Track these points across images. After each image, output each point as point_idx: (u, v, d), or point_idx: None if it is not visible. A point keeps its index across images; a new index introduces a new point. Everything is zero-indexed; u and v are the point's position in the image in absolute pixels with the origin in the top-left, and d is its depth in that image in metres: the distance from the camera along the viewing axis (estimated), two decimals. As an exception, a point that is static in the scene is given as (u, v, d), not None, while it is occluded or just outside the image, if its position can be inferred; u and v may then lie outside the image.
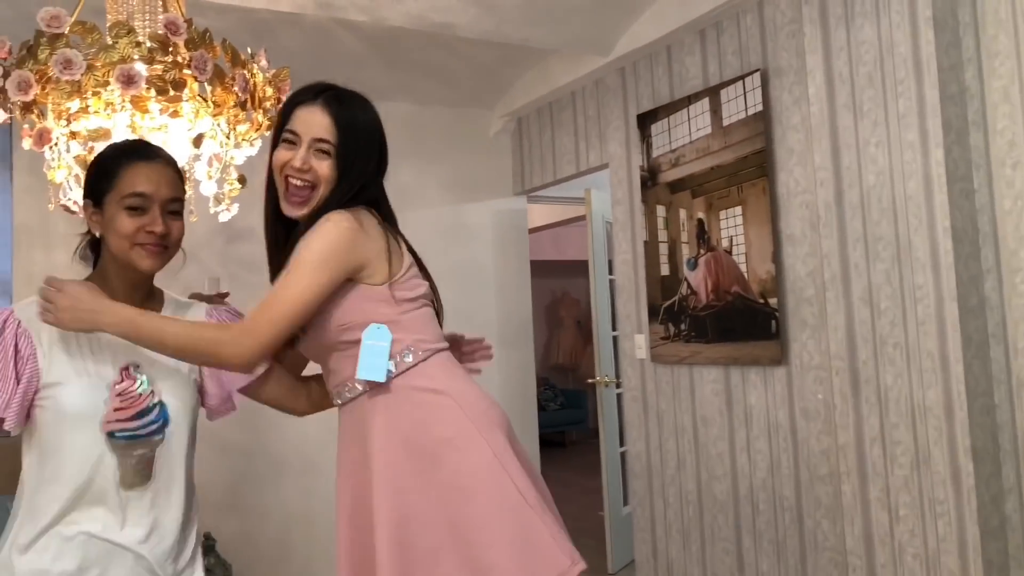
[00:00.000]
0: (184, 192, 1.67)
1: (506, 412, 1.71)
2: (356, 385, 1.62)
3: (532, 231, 7.94)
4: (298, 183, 1.62)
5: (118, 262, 1.59)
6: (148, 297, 1.67)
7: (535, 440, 5.08)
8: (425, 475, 1.55)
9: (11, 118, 2.33)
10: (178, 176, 1.67)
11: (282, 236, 1.73)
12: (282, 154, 1.65)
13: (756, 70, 3.42)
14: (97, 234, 1.61)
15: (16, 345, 1.51)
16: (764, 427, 3.45)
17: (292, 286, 1.54)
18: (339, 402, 1.68)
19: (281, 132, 1.67)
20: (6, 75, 2.16)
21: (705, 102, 3.67)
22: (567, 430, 10.06)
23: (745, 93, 3.49)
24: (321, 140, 1.62)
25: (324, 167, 1.62)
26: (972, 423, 2.63)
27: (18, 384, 1.50)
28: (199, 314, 1.72)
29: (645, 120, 4.00)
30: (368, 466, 1.59)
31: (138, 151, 1.66)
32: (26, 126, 2.41)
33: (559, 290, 10.78)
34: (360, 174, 1.64)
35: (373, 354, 1.58)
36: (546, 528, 1.54)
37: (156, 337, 1.52)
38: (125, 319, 1.51)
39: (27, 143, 2.34)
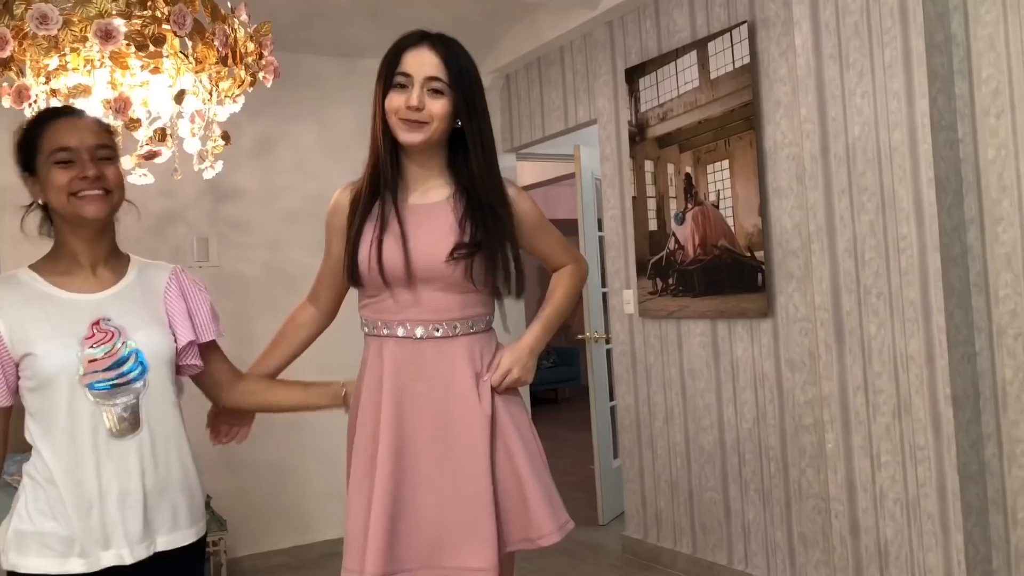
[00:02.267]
0: (111, 139, 1.66)
1: None
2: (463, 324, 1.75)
3: (524, 189, 7.95)
4: (412, 118, 1.68)
5: (66, 221, 1.59)
6: (113, 255, 1.67)
7: (527, 397, 5.11)
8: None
9: (-10, 76, 2.31)
10: (100, 125, 1.67)
11: (395, 171, 1.76)
12: (396, 99, 1.69)
13: (743, 22, 3.40)
14: (40, 201, 1.62)
15: None
16: (750, 379, 3.49)
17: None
18: (424, 335, 1.72)
19: (390, 79, 1.70)
20: (-18, 31, 2.14)
21: (693, 55, 3.65)
22: (559, 387, 10.15)
23: (732, 45, 3.48)
24: (433, 78, 1.68)
25: (437, 105, 1.68)
26: (953, 371, 2.66)
27: None
28: (163, 274, 1.72)
29: (633, 74, 3.98)
30: (458, 393, 1.75)
31: (55, 112, 1.69)
32: (4, 84, 2.39)
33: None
34: (474, 111, 1.72)
35: None
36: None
37: (562, 311, 1.88)
38: (543, 330, 1.85)
39: (6, 101, 2.33)
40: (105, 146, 1.61)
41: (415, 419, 1.70)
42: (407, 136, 1.69)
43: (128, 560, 1.55)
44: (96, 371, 1.54)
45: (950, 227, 2.70)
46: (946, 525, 2.69)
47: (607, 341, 4.69)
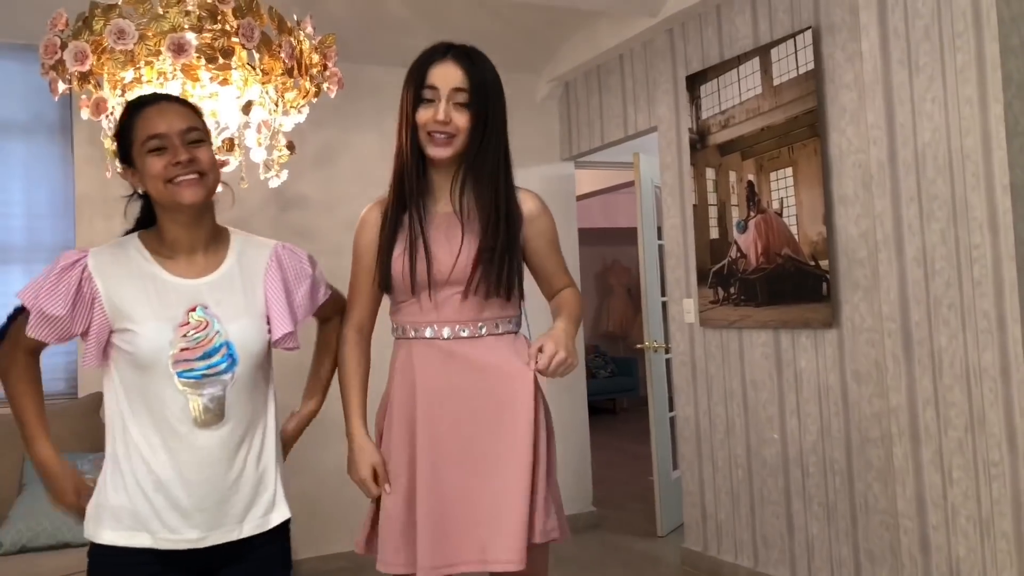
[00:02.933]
0: (200, 121, 1.67)
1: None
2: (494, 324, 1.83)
3: (580, 198, 7.89)
4: (441, 135, 1.76)
5: (165, 209, 1.62)
6: (213, 238, 1.68)
7: (584, 408, 5.10)
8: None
9: (69, 89, 2.40)
10: (189, 108, 1.68)
11: (420, 181, 1.84)
12: (424, 113, 1.77)
13: (807, 28, 3.35)
14: (140, 191, 1.65)
15: (79, 286, 1.56)
16: (814, 390, 3.41)
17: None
18: (452, 336, 1.81)
19: (418, 92, 1.78)
20: (63, 47, 2.23)
21: (755, 61, 3.61)
22: (618, 397, 10.07)
23: (796, 52, 3.42)
24: (458, 90, 1.76)
25: (463, 119, 1.77)
26: (1029, 385, 2.57)
27: (72, 321, 1.57)
28: (264, 254, 1.72)
29: (694, 81, 3.95)
30: (501, 390, 1.82)
31: (142, 100, 1.68)
32: (84, 96, 2.47)
33: (609, 258, 10.74)
34: (492, 122, 1.80)
35: None
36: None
37: (578, 321, 1.90)
38: (571, 323, 1.86)
39: (85, 113, 2.41)
40: (194, 128, 1.62)
41: (451, 412, 1.78)
42: (437, 151, 1.78)
43: (200, 545, 1.58)
44: (187, 359, 1.57)
45: (1026, 236, 2.61)
46: (1021, 545, 2.59)
47: (666, 351, 4.65)
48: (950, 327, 2.77)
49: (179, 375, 1.57)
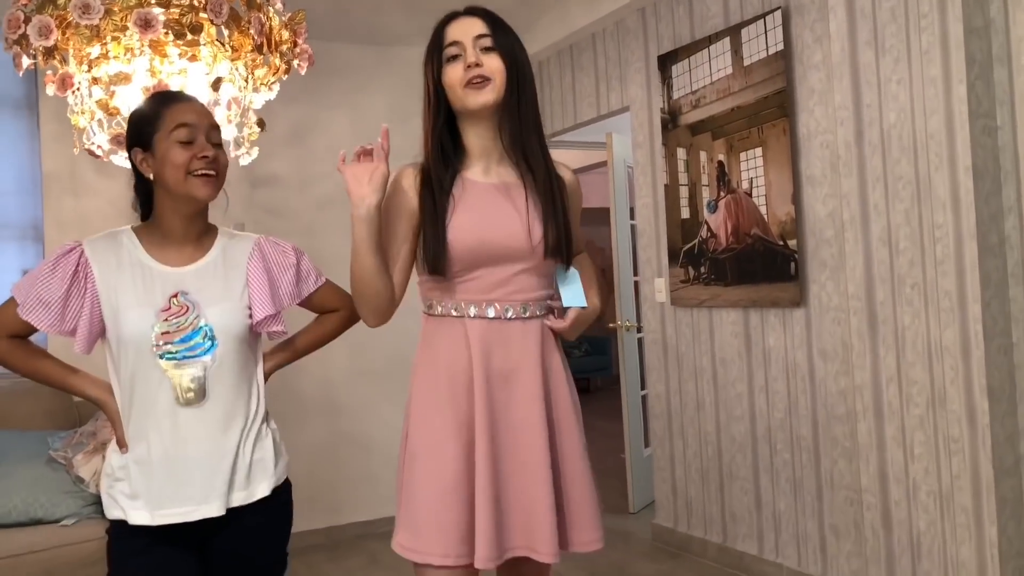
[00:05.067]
0: (219, 127, 1.77)
1: None
2: (540, 305, 1.75)
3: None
4: (477, 80, 1.66)
5: (174, 198, 1.68)
6: (205, 232, 1.76)
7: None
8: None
9: (34, 64, 2.37)
10: (210, 111, 1.78)
11: (445, 165, 1.73)
12: (453, 71, 1.68)
13: (777, 8, 3.37)
14: (151, 176, 1.69)
15: (75, 272, 1.65)
16: (782, 368, 3.47)
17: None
18: (513, 316, 1.71)
19: (439, 55, 1.70)
20: (27, 21, 2.20)
21: (726, 42, 3.63)
22: (592, 376, 10.14)
23: (766, 32, 3.44)
24: (482, 36, 1.69)
25: (493, 61, 1.68)
26: (989, 363, 2.63)
27: (65, 306, 1.65)
28: (246, 246, 1.79)
29: (666, 61, 3.96)
30: (553, 372, 1.75)
31: (174, 95, 1.78)
32: (49, 72, 2.45)
33: (588, 236, 10.77)
34: (522, 64, 1.72)
35: (579, 285, 1.76)
36: None
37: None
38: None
39: (51, 89, 2.38)
40: (216, 128, 1.72)
41: (509, 402, 1.68)
42: (477, 98, 1.66)
43: (188, 518, 1.65)
44: (168, 343, 1.64)
45: (987, 216, 2.66)
46: (980, 518, 2.66)
47: (639, 330, 4.69)
48: (913, 306, 2.82)
49: (161, 357, 1.64)
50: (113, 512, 1.69)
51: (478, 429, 1.65)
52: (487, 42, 1.69)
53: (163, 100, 1.74)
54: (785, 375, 3.46)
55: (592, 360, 10.10)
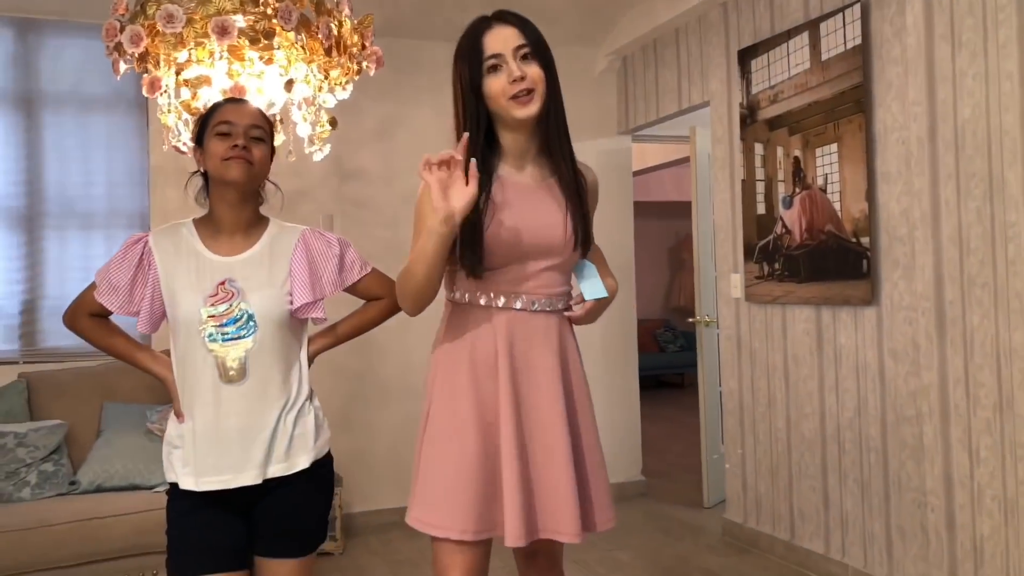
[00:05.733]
0: (268, 125, 1.92)
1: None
2: (562, 300, 1.84)
3: (652, 169, 7.91)
4: (521, 92, 1.72)
5: (216, 186, 1.87)
6: (254, 224, 1.92)
7: (635, 379, 5.16)
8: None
9: (131, 68, 2.59)
10: (260, 113, 1.94)
11: (489, 162, 1.80)
12: (496, 83, 1.74)
13: (856, 1, 3.31)
14: (202, 169, 1.90)
15: (140, 259, 1.86)
16: (853, 367, 3.42)
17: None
18: (538, 308, 1.79)
19: (479, 67, 1.75)
20: (122, 30, 2.42)
21: (805, 36, 3.58)
22: (686, 372, 10.05)
23: (845, 26, 3.39)
24: (521, 47, 1.74)
25: (534, 70, 1.74)
26: (1058, 366, 2.54)
27: (131, 290, 1.85)
28: (293, 237, 1.94)
29: (746, 56, 3.94)
30: (571, 363, 1.85)
31: (227, 101, 1.99)
32: (145, 75, 2.67)
33: (683, 232, 10.65)
34: (555, 70, 1.79)
35: (597, 278, 1.85)
36: None
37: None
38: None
39: (144, 91, 2.60)
40: (259, 127, 1.88)
41: (532, 388, 1.77)
42: (524, 111, 1.73)
43: (231, 485, 1.81)
44: (213, 325, 1.82)
45: (1062, 215, 2.57)
46: (1045, 526, 2.58)
47: (717, 325, 4.67)
48: (983, 307, 2.75)
49: (208, 338, 1.82)
50: (169, 476, 1.88)
51: (503, 414, 1.74)
52: (526, 51, 1.74)
53: (216, 106, 1.94)
54: (855, 374, 3.40)
55: (687, 355, 10.00)
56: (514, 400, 1.75)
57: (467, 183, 1.62)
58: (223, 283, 1.84)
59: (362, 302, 2.07)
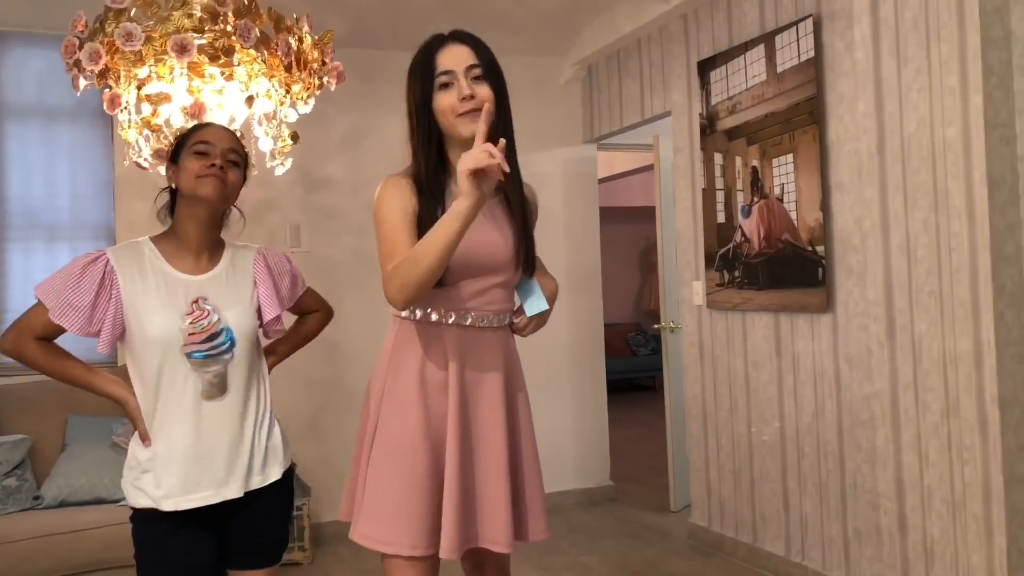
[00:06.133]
0: (243, 150, 1.97)
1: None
2: (506, 316, 1.90)
3: (620, 176, 8.00)
4: (470, 108, 1.76)
5: (187, 203, 1.88)
6: (216, 245, 1.96)
7: (603, 384, 5.22)
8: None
9: (90, 84, 2.61)
10: (238, 141, 1.98)
11: (441, 177, 1.83)
12: (445, 98, 1.77)
13: (809, 15, 3.39)
14: (173, 185, 1.92)
15: (102, 279, 1.82)
16: (810, 373, 3.49)
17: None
18: (486, 324, 1.84)
19: (430, 82, 1.79)
20: (81, 47, 2.44)
21: (761, 48, 3.66)
22: (657, 374, 10.14)
23: (799, 39, 3.47)
24: (473, 66, 1.78)
25: (484, 90, 1.78)
26: (1001, 372, 2.62)
27: (93, 310, 1.81)
28: (250, 255, 1.99)
29: (705, 67, 4.02)
30: (513, 377, 1.91)
31: (206, 124, 2.06)
32: (105, 91, 2.69)
33: (653, 236, 10.73)
34: (505, 91, 1.84)
35: (539, 293, 1.91)
36: None
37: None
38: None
39: (105, 107, 2.62)
40: (235, 151, 1.93)
41: (478, 403, 1.82)
42: (471, 128, 1.73)
43: (215, 500, 1.84)
44: (194, 343, 1.82)
45: (1003, 226, 2.65)
46: (990, 527, 2.66)
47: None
48: (930, 314, 2.83)
49: (188, 356, 1.83)
50: (138, 501, 1.84)
51: (450, 429, 1.78)
52: (477, 72, 1.78)
53: (196, 127, 1.98)
54: (812, 379, 3.48)
55: (658, 359, 10.08)
56: (461, 415, 1.79)
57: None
58: (196, 301, 1.85)
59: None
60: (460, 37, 1.83)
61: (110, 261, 1.85)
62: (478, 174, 1.57)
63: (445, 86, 1.78)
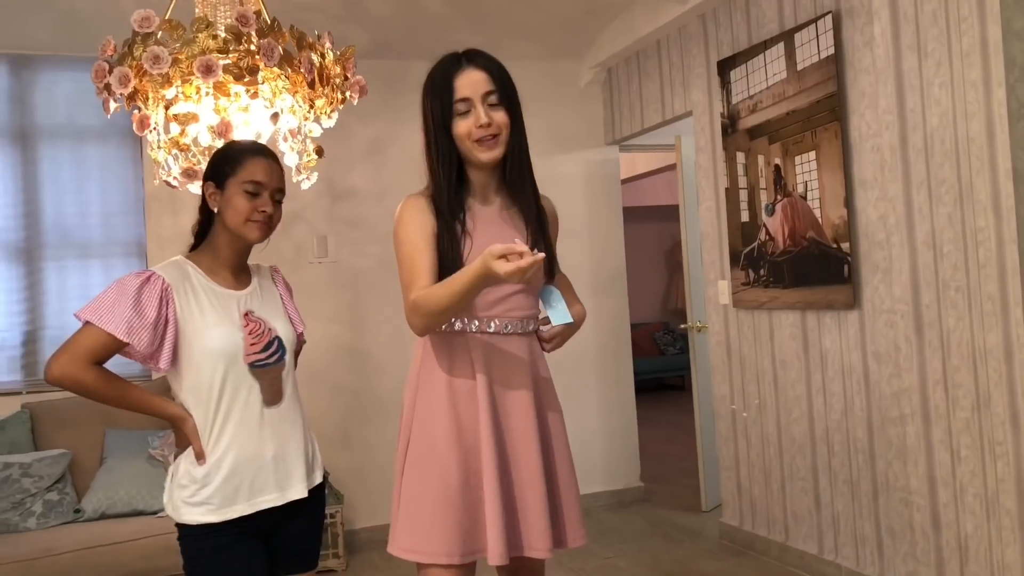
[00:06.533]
0: (285, 184, 2.00)
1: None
2: (531, 322, 1.94)
3: (642, 176, 7.99)
4: (488, 138, 1.83)
5: (230, 234, 1.94)
6: (245, 266, 2.03)
7: (631, 384, 5.23)
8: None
9: (120, 107, 2.67)
10: (282, 173, 2.01)
11: (456, 198, 1.88)
12: (463, 125, 1.83)
13: (828, 12, 3.38)
14: (215, 210, 1.94)
15: (161, 297, 1.84)
16: (838, 370, 3.48)
17: None
18: (511, 331, 1.88)
19: (449, 108, 1.84)
20: (111, 71, 2.49)
21: (780, 47, 3.66)
22: (686, 373, 10.11)
23: (818, 36, 3.46)
24: (489, 93, 1.84)
25: (500, 116, 1.84)
26: (1032, 366, 2.61)
27: (156, 328, 1.83)
28: (268, 271, 2.11)
29: (725, 66, 4.01)
30: (543, 383, 1.94)
31: (259, 149, 2.00)
32: (134, 112, 2.75)
33: (679, 234, 10.71)
34: (520, 113, 1.90)
35: (563, 304, 1.93)
36: None
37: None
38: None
39: (135, 128, 2.68)
40: (281, 190, 1.97)
41: (509, 409, 1.85)
42: (488, 155, 1.84)
43: (280, 502, 1.92)
44: (255, 352, 1.90)
45: (1030, 219, 2.63)
46: (1023, 522, 2.65)
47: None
48: (957, 309, 2.82)
49: (251, 366, 1.90)
50: (190, 517, 1.85)
51: (483, 436, 1.80)
52: (494, 99, 1.84)
53: (247, 151, 1.96)
54: (841, 377, 3.47)
55: (686, 357, 10.06)
56: (493, 422, 1.82)
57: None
58: (247, 314, 1.93)
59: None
60: (476, 61, 1.87)
61: (165, 280, 1.86)
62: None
63: (463, 113, 1.84)
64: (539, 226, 1.94)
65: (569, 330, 1.95)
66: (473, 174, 1.91)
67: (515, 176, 1.91)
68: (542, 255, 1.61)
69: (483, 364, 1.84)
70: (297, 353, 2.09)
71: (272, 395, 1.92)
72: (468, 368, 1.85)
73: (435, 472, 1.81)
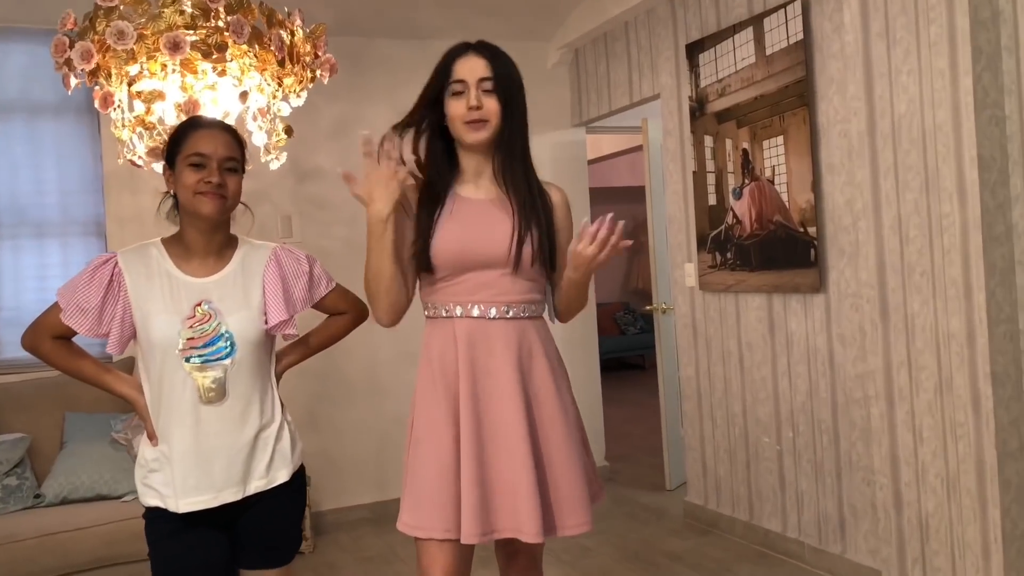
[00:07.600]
0: (240, 153, 1.92)
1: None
2: (525, 307, 1.94)
3: (607, 158, 8.00)
4: (475, 119, 1.86)
5: (187, 213, 1.88)
6: (225, 245, 1.94)
7: (596, 364, 5.26)
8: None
9: (81, 82, 2.59)
10: (234, 140, 1.93)
11: (445, 168, 1.94)
12: (456, 106, 1.87)
13: (797, -3, 3.40)
14: (172, 192, 1.90)
15: (110, 281, 1.83)
16: (804, 352, 3.54)
17: None
18: (496, 315, 1.90)
19: (445, 86, 1.89)
20: (71, 45, 2.42)
21: (749, 31, 3.67)
22: (646, 353, 10.20)
23: (787, 21, 3.48)
24: (484, 79, 1.87)
25: (492, 103, 1.87)
26: (993, 349, 2.67)
27: (101, 312, 1.82)
28: (263, 256, 1.97)
29: (693, 50, 4.02)
30: (536, 369, 1.93)
31: (199, 122, 1.95)
32: (96, 88, 2.67)
33: (641, 215, 10.75)
34: (517, 102, 1.91)
35: None
36: None
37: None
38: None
39: (97, 105, 2.60)
40: (232, 159, 1.89)
41: (491, 393, 1.87)
42: (474, 136, 1.88)
43: (214, 504, 1.85)
44: (192, 347, 1.83)
45: (994, 206, 2.68)
46: (984, 501, 2.72)
47: (674, 312, 4.78)
48: (922, 293, 2.87)
49: (186, 360, 1.84)
50: (149, 499, 1.88)
51: (463, 417, 1.84)
52: (488, 85, 1.87)
53: (189, 125, 1.92)
54: (806, 359, 3.52)
55: (647, 337, 10.15)
56: (474, 404, 1.85)
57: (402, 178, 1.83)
58: (199, 304, 1.85)
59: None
60: (480, 50, 1.92)
61: (118, 263, 1.86)
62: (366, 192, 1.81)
63: (457, 94, 1.88)
64: (531, 215, 1.92)
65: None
66: (465, 159, 1.94)
67: (504, 164, 1.92)
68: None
69: (466, 346, 1.87)
70: (291, 346, 2.05)
71: (210, 393, 1.84)
72: (452, 352, 1.88)
73: (430, 450, 1.86)
